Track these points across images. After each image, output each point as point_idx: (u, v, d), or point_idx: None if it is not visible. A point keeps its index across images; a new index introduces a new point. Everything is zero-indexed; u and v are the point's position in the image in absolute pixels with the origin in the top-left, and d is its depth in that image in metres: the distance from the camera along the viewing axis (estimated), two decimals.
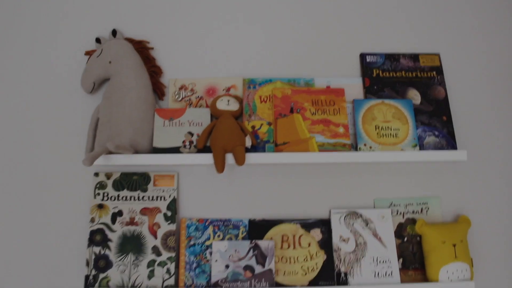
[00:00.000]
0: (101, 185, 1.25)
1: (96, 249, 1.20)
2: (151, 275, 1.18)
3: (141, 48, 1.31)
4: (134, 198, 1.24)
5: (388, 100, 1.31)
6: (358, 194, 1.29)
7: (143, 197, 1.24)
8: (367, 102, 1.31)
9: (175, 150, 1.23)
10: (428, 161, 1.28)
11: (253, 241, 1.19)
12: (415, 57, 1.38)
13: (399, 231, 1.26)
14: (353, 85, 1.35)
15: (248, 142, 1.21)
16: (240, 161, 1.15)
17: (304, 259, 1.21)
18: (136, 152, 1.22)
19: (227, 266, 1.17)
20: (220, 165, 1.15)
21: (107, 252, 1.20)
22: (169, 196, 1.24)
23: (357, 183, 1.30)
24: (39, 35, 1.38)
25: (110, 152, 1.19)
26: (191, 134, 1.24)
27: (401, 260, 1.23)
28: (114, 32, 1.30)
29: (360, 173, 1.30)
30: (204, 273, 1.19)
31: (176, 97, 1.31)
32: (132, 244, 1.20)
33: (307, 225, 1.24)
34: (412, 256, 1.24)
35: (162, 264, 1.19)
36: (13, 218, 1.26)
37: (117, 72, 1.25)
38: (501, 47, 1.42)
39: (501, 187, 1.32)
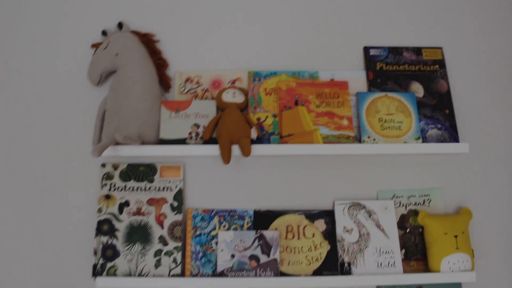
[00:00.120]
0: (108, 176, 1.27)
1: (104, 239, 1.22)
2: (158, 264, 1.20)
3: (147, 41, 1.32)
4: (141, 188, 1.26)
5: (392, 93, 1.33)
6: (362, 185, 1.31)
7: (149, 188, 1.26)
8: (371, 95, 1.32)
9: (182, 141, 1.24)
10: (430, 153, 1.30)
11: (258, 231, 1.21)
12: (418, 50, 1.40)
13: (402, 222, 1.27)
14: (356, 78, 1.36)
15: (254, 134, 1.23)
16: (246, 152, 1.16)
17: (308, 249, 1.23)
18: (143, 143, 1.24)
19: (232, 256, 1.19)
20: (226, 157, 1.16)
21: (115, 241, 1.22)
22: (176, 187, 1.26)
23: (361, 175, 1.31)
24: (46, 28, 1.39)
25: (118, 143, 1.21)
26: (197, 125, 1.26)
27: (403, 250, 1.25)
28: (120, 25, 1.32)
29: (364, 165, 1.32)
30: (210, 262, 1.21)
31: (182, 89, 1.32)
32: (139, 234, 1.22)
33: (311, 216, 1.26)
34: (414, 247, 1.26)
35: (168, 253, 1.21)
36: (22, 208, 1.27)
37: (124, 65, 1.26)
38: (504, 41, 1.44)
39: (502, 179, 1.34)
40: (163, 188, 1.26)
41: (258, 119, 1.29)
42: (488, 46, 1.43)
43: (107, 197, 1.25)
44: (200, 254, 1.22)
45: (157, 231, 1.23)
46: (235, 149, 1.20)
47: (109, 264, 1.20)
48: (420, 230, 1.27)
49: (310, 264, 1.21)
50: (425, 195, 1.30)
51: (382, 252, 1.23)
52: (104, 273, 1.19)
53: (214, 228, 1.24)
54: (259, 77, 1.33)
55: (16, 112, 1.34)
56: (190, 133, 1.25)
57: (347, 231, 1.25)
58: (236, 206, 1.28)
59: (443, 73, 1.37)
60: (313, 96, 1.30)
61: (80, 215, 1.27)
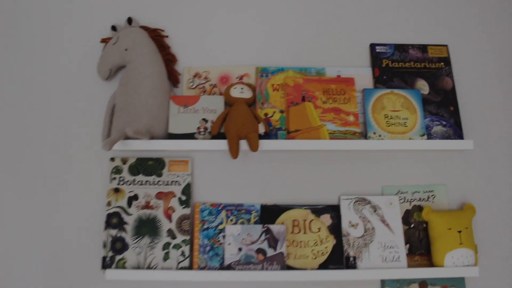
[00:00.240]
0: (117, 170, 1.28)
1: (113, 232, 1.24)
2: (166, 257, 1.22)
3: (156, 36, 1.33)
4: (150, 182, 1.27)
5: (397, 90, 1.34)
6: (367, 181, 1.32)
7: (158, 182, 1.28)
8: (377, 91, 1.33)
9: (190, 136, 1.26)
10: (435, 150, 1.30)
11: (265, 225, 1.22)
12: (423, 48, 1.41)
13: (406, 218, 1.29)
14: (363, 75, 1.38)
15: (261, 129, 1.24)
16: (254, 147, 1.18)
17: (314, 243, 1.24)
18: (152, 138, 1.25)
19: (240, 249, 1.20)
20: (234, 151, 1.18)
21: (123, 234, 1.23)
22: (184, 181, 1.28)
23: (366, 171, 1.33)
24: (56, 24, 1.40)
25: (127, 138, 1.22)
26: (206, 120, 1.27)
27: (408, 245, 1.27)
28: (129, 20, 1.33)
29: (369, 161, 1.34)
30: (217, 255, 1.23)
31: (191, 84, 1.34)
32: (147, 227, 1.24)
33: (317, 211, 1.27)
34: (419, 242, 1.27)
35: (177, 246, 1.23)
36: (33, 201, 1.29)
37: (133, 60, 1.27)
38: (508, 39, 1.45)
39: (506, 176, 1.35)
40: (172, 182, 1.28)
41: (266, 114, 1.30)
42: (493, 44, 1.44)
43: (116, 190, 1.27)
44: (208, 248, 1.23)
45: (165, 225, 1.24)
46: (243, 144, 1.22)
47: (118, 257, 1.22)
48: (424, 225, 1.28)
49: (316, 258, 1.23)
50: (429, 191, 1.32)
51: (387, 246, 1.25)
52: (113, 265, 1.21)
53: (221, 222, 1.25)
54: (267, 73, 1.34)
55: (26, 106, 1.35)
56: (198, 128, 1.27)
57: (353, 225, 1.26)
58: (243, 201, 1.30)
59: (448, 70, 1.39)
60: (320, 92, 1.31)
61: (90, 208, 1.28)
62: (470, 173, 1.35)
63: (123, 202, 1.26)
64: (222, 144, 1.22)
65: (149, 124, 1.23)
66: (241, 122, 1.21)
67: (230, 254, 1.20)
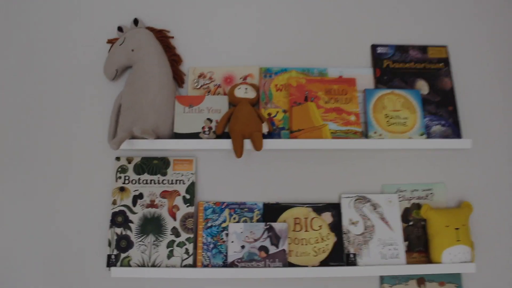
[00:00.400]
0: (122, 169, 1.30)
1: (118, 230, 1.25)
2: (170, 255, 1.24)
3: (162, 37, 1.34)
4: (154, 181, 1.29)
5: (398, 90, 1.36)
6: (367, 179, 1.35)
7: (162, 181, 1.29)
8: (378, 91, 1.36)
9: (195, 135, 1.28)
10: (434, 149, 1.33)
11: (268, 223, 1.25)
12: (423, 49, 1.43)
13: (405, 216, 1.32)
14: (364, 75, 1.40)
15: (265, 129, 1.26)
16: (258, 146, 1.20)
17: (315, 241, 1.27)
18: (158, 137, 1.26)
19: (242, 247, 1.23)
20: (239, 150, 1.20)
21: (128, 233, 1.25)
22: (188, 180, 1.29)
23: (366, 169, 1.36)
24: (63, 24, 1.42)
25: (134, 137, 1.24)
26: (210, 120, 1.29)
27: (406, 242, 1.30)
28: (136, 21, 1.34)
29: (370, 160, 1.36)
30: (220, 253, 1.25)
31: (195, 85, 1.35)
32: (152, 225, 1.26)
33: (319, 209, 1.30)
34: (417, 239, 1.30)
35: (181, 244, 1.25)
36: (38, 200, 1.31)
37: (140, 60, 1.28)
38: (507, 40, 1.47)
39: (503, 175, 1.38)
40: (176, 181, 1.29)
41: (269, 114, 1.32)
42: (492, 45, 1.47)
43: (122, 189, 1.29)
44: (211, 245, 1.25)
45: (169, 223, 1.26)
46: (247, 143, 1.24)
47: (123, 255, 1.24)
48: (423, 223, 1.31)
49: (317, 255, 1.26)
50: (428, 189, 1.35)
51: (386, 244, 1.28)
52: (118, 263, 1.23)
53: (224, 220, 1.28)
54: (270, 74, 1.36)
55: (33, 106, 1.36)
56: (203, 128, 1.28)
57: (353, 223, 1.29)
58: (246, 199, 1.32)
59: (448, 71, 1.41)
60: (322, 93, 1.33)
61: (95, 207, 1.30)
62: (468, 171, 1.38)
63: (128, 201, 1.28)
64: (227, 144, 1.24)
65: (155, 124, 1.25)
66: (245, 121, 1.23)
67: (233, 252, 1.22)
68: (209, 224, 1.27)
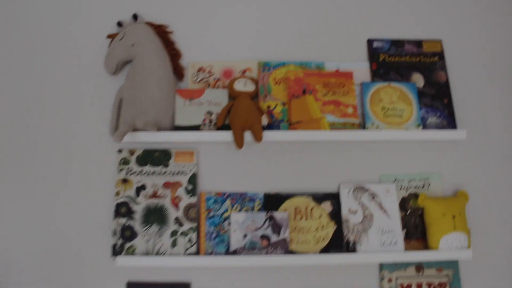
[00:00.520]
0: (125, 161, 1.33)
1: (122, 221, 1.28)
2: (174, 244, 1.27)
3: (162, 32, 1.37)
4: (157, 173, 1.32)
5: (394, 83, 1.40)
6: (365, 170, 1.38)
7: (165, 172, 1.32)
8: (374, 85, 1.39)
9: (196, 128, 1.31)
10: (430, 139, 1.37)
11: (269, 212, 1.28)
12: (419, 43, 1.47)
13: (403, 205, 1.35)
14: (361, 69, 1.43)
15: (264, 121, 1.29)
16: (258, 138, 1.23)
17: (315, 229, 1.30)
18: (159, 130, 1.30)
19: (245, 236, 1.26)
20: (239, 142, 1.23)
21: (132, 223, 1.28)
22: (190, 171, 1.32)
23: (365, 160, 1.39)
24: (64, 21, 1.44)
25: (135, 130, 1.27)
26: (210, 113, 1.32)
27: (404, 230, 1.33)
28: (135, 17, 1.37)
29: (367, 151, 1.39)
30: (223, 242, 1.28)
31: (195, 78, 1.39)
32: (155, 216, 1.29)
33: (318, 198, 1.33)
34: (415, 227, 1.33)
35: (184, 234, 1.28)
36: (43, 193, 1.33)
37: (140, 55, 1.32)
38: (500, 33, 1.51)
39: (497, 164, 1.41)
40: (178, 172, 1.32)
41: (268, 107, 1.35)
42: (485, 39, 1.50)
43: (124, 181, 1.31)
44: (214, 235, 1.28)
45: (172, 213, 1.29)
46: (247, 135, 1.27)
47: (127, 244, 1.26)
48: (420, 211, 1.34)
49: (317, 243, 1.29)
50: (424, 179, 1.38)
51: (385, 232, 1.30)
52: (123, 252, 1.25)
53: (226, 210, 1.30)
54: (269, 67, 1.39)
55: (35, 101, 1.39)
56: (203, 120, 1.32)
57: (352, 212, 1.32)
58: (247, 189, 1.35)
59: (442, 64, 1.45)
60: (320, 86, 1.37)
61: (99, 198, 1.33)
62: (463, 161, 1.41)
63: (131, 192, 1.30)
64: (227, 136, 1.27)
65: (156, 117, 1.28)
66: (245, 114, 1.26)
67: (236, 240, 1.25)
68: (211, 214, 1.30)
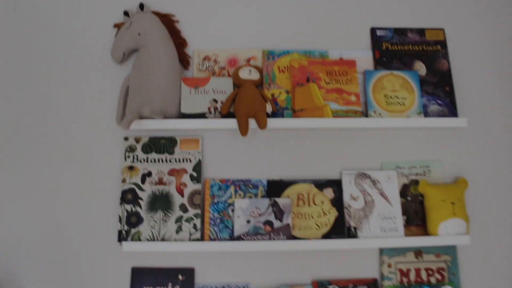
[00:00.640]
0: (131, 149, 1.35)
1: (128, 207, 1.31)
2: (179, 230, 1.30)
3: (168, 21, 1.38)
4: (162, 160, 1.34)
5: (396, 71, 1.41)
6: (367, 157, 1.40)
7: (170, 160, 1.34)
8: (377, 73, 1.40)
9: (201, 115, 1.33)
10: (431, 127, 1.39)
11: (272, 198, 1.30)
12: (421, 31, 1.47)
13: (404, 191, 1.37)
14: (364, 57, 1.44)
15: (269, 109, 1.31)
16: (262, 125, 1.25)
17: (318, 215, 1.33)
18: (165, 117, 1.31)
19: (248, 221, 1.28)
20: (244, 129, 1.25)
21: (138, 209, 1.31)
22: (195, 158, 1.35)
23: (367, 147, 1.41)
24: (72, 10, 1.45)
25: (142, 117, 1.28)
26: (216, 101, 1.34)
27: (405, 216, 1.35)
28: (141, 6, 1.37)
29: (369, 138, 1.41)
30: (227, 228, 1.30)
31: (200, 67, 1.40)
32: (161, 202, 1.31)
33: (321, 185, 1.35)
34: (415, 213, 1.36)
35: (189, 220, 1.30)
36: (50, 179, 1.36)
37: (147, 44, 1.32)
38: (502, 22, 1.52)
39: (497, 151, 1.44)
40: (183, 159, 1.35)
41: (273, 94, 1.37)
42: (488, 28, 1.51)
43: (130, 168, 1.34)
44: (218, 220, 1.31)
45: (178, 200, 1.32)
46: (251, 123, 1.28)
47: (133, 230, 1.29)
48: (420, 198, 1.36)
49: (319, 228, 1.32)
50: (425, 166, 1.40)
51: (386, 218, 1.33)
52: (129, 238, 1.28)
53: (230, 197, 1.33)
54: (273, 56, 1.41)
55: (44, 89, 1.40)
56: (209, 108, 1.33)
57: (354, 198, 1.35)
58: (250, 176, 1.37)
59: (445, 53, 1.46)
60: (323, 74, 1.38)
61: (106, 185, 1.35)
62: (463, 149, 1.43)
63: (137, 179, 1.33)
64: (232, 123, 1.29)
65: (163, 105, 1.29)
66: (250, 101, 1.28)
67: (239, 226, 1.28)
68: (215, 200, 1.32)
